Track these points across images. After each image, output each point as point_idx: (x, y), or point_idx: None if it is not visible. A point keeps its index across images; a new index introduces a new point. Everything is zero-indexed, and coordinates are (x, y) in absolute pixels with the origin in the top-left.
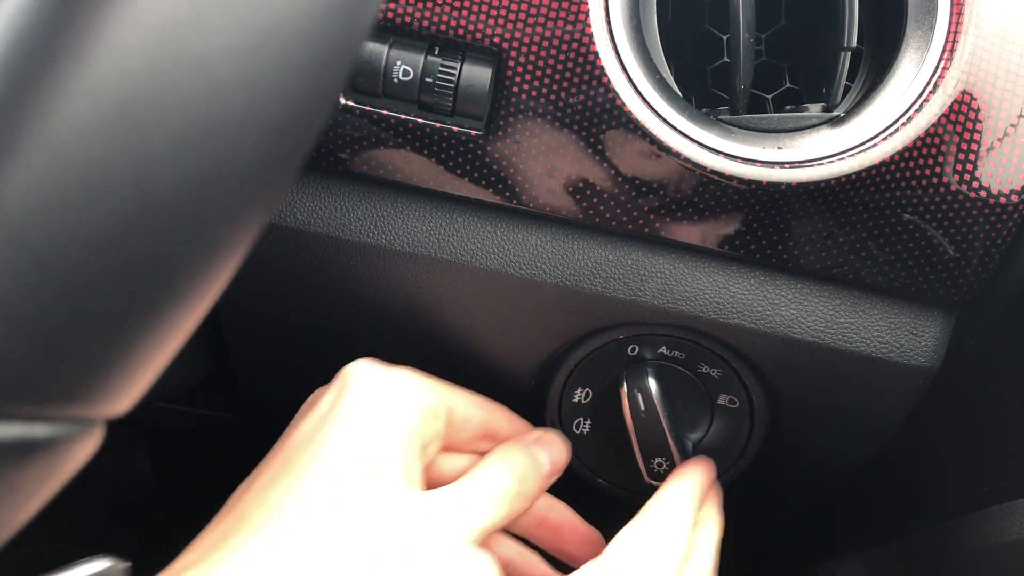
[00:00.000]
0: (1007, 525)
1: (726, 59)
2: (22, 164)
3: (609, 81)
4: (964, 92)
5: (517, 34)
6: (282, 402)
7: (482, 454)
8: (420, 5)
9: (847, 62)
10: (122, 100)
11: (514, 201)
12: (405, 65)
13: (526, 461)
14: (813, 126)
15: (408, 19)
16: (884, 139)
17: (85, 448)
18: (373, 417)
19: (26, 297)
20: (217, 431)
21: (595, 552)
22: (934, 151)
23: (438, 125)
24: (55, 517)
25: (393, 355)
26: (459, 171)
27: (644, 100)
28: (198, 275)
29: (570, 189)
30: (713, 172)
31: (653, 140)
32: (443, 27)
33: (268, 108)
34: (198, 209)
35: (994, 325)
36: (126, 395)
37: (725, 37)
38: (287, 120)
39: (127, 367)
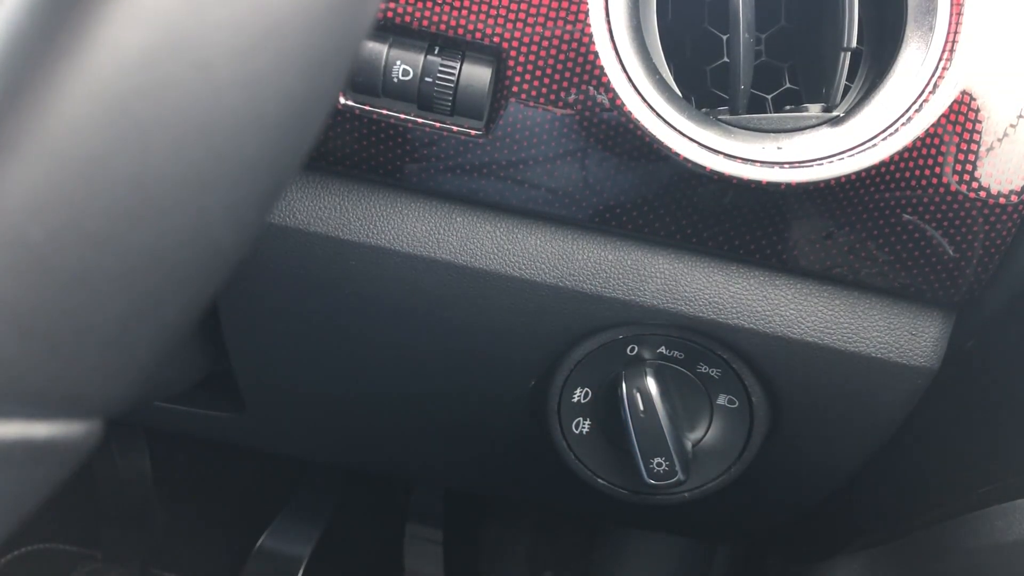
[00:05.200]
0: (1007, 525)
1: (726, 59)
2: (22, 163)
3: (609, 81)
4: (964, 92)
5: (517, 34)
6: (281, 401)
7: None
8: (420, 4)
9: (847, 62)
10: (121, 99)
11: (513, 201)
12: (405, 65)
13: None
14: (813, 126)
15: (408, 18)
16: (884, 139)
17: (84, 446)
18: None
19: (26, 295)
20: (216, 431)
21: None
22: (933, 151)
23: (438, 125)
24: (55, 517)
25: (391, 355)
26: (458, 171)
27: (644, 100)
28: (196, 273)
29: (569, 189)
30: (713, 172)
31: (653, 140)
32: (443, 26)
33: (267, 107)
34: (197, 208)
35: (993, 325)
36: (124, 393)
37: (725, 37)
38: (286, 119)
39: (125, 364)
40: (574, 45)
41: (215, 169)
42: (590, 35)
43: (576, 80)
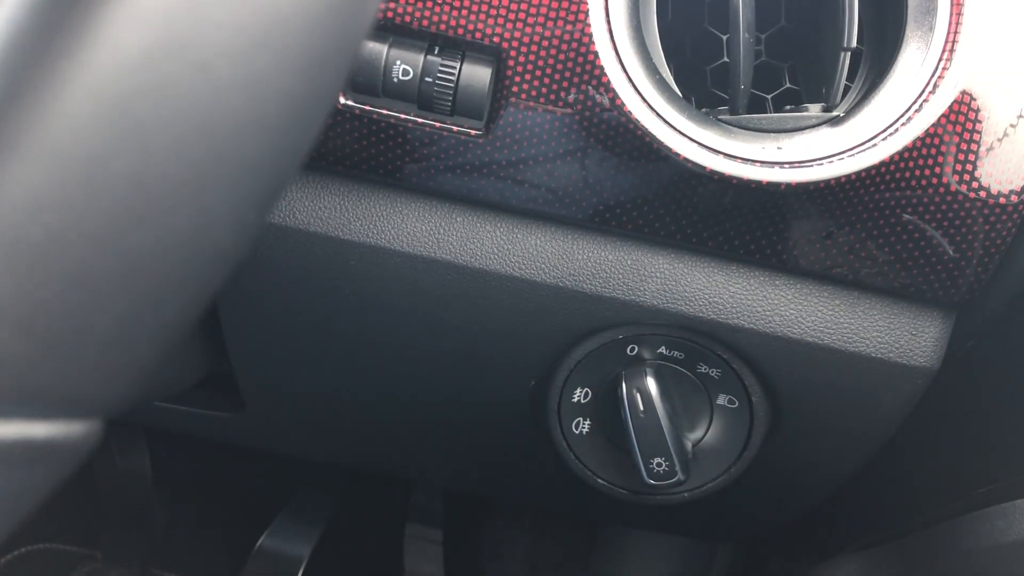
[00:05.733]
0: (1007, 525)
1: (726, 59)
2: (22, 162)
3: (609, 81)
4: (964, 92)
5: (517, 33)
6: (280, 401)
7: None
8: (420, 4)
9: (847, 62)
10: (121, 99)
11: (513, 201)
12: (405, 64)
13: None
14: (813, 126)
15: (408, 18)
16: (884, 139)
17: (84, 446)
18: None
19: (26, 295)
20: (216, 431)
21: None
22: (933, 151)
23: (438, 125)
24: (55, 517)
25: (391, 355)
26: (458, 171)
27: (644, 100)
28: (197, 273)
29: (569, 189)
30: (713, 172)
31: (653, 140)
32: (443, 26)
33: (267, 108)
34: (197, 208)
35: (993, 325)
36: (124, 393)
37: (725, 37)
38: (287, 120)
39: (125, 364)
40: (574, 45)
41: (215, 169)
42: (590, 35)
43: (576, 80)
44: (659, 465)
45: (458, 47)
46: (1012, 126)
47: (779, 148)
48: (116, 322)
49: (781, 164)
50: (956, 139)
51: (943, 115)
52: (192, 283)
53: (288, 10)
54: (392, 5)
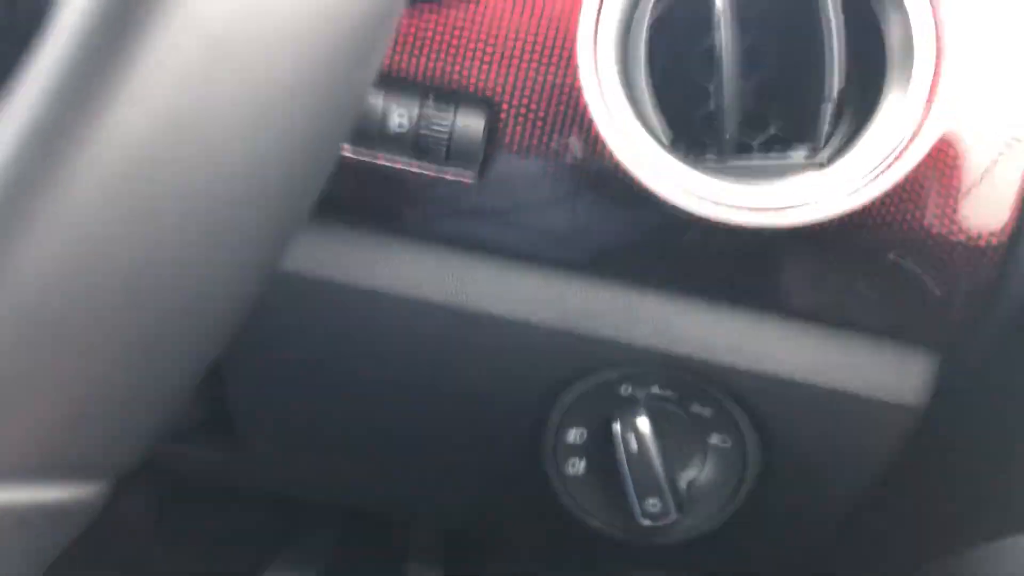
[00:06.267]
0: (1002, 561)
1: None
2: (36, 241)
3: (599, 131)
4: (943, 138)
5: (508, 84)
6: (278, 442)
7: None
8: (415, 56)
9: (830, 111)
10: (129, 180)
11: (507, 246)
12: (400, 114)
13: None
14: (798, 171)
15: (403, 68)
16: (866, 185)
17: (94, 506)
18: None
19: (40, 368)
20: (213, 473)
21: None
22: (915, 195)
23: (432, 174)
24: (55, 562)
25: (388, 397)
26: (453, 216)
27: (632, 147)
28: (200, 340)
29: (561, 233)
30: (700, 217)
31: (640, 187)
32: (437, 76)
33: (270, 182)
34: (200, 280)
35: (980, 364)
36: (133, 454)
37: (711, 86)
38: (288, 191)
39: (133, 429)
40: (564, 96)
41: (219, 244)
42: (579, 87)
43: (566, 129)
44: (653, 505)
45: (452, 97)
46: (988, 170)
47: (764, 193)
48: (124, 391)
49: (766, 209)
50: (936, 184)
51: (924, 159)
52: (195, 349)
53: (289, 90)
54: (387, 55)
